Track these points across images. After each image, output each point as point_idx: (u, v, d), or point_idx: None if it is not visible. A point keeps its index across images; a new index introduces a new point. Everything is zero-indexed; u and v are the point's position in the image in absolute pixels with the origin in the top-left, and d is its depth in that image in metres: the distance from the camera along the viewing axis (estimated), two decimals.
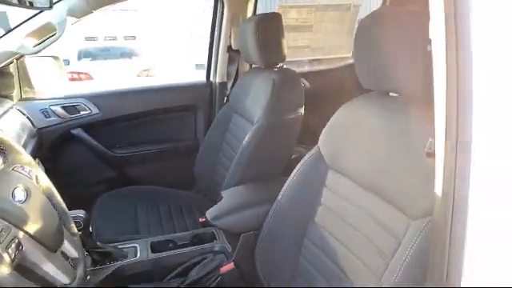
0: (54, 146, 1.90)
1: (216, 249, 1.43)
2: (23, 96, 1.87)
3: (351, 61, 2.34)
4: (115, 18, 11.42)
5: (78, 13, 1.63)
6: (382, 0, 2.46)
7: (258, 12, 2.10)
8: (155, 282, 1.33)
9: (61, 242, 0.96)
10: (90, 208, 1.63)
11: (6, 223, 0.79)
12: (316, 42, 3.63)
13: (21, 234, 0.81)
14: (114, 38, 11.20)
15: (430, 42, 0.57)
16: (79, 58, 8.23)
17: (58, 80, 1.95)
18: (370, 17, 0.91)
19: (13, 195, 0.85)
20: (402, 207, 0.82)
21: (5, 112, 1.60)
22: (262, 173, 1.53)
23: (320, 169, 1.08)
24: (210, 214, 1.28)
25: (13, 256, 0.76)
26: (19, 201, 0.86)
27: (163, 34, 12.11)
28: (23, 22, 1.62)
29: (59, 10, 1.55)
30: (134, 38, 11.60)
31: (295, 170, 1.14)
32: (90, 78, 7.45)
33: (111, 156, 2.05)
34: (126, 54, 8.72)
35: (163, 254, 1.39)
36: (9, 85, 1.79)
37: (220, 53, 2.13)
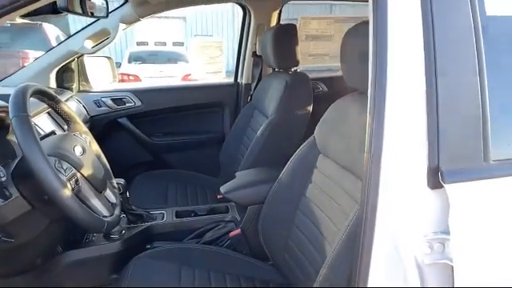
0: (103, 131, 2.12)
1: (227, 219, 1.62)
2: (81, 88, 2.11)
3: None
4: (166, 25, 11.68)
5: (128, 20, 1.91)
6: None
7: (282, 22, 2.24)
8: (177, 241, 1.51)
9: (104, 188, 1.19)
10: (129, 184, 1.90)
11: (69, 165, 1.05)
12: (335, 50, 3.70)
13: (78, 175, 1.06)
14: (164, 44, 11.11)
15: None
16: (129, 61, 8.46)
17: (110, 77, 2.22)
18: (353, 28, 1.07)
19: (73, 150, 1.11)
20: None
21: (66, 100, 1.83)
22: (271, 160, 1.64)
23: (313, 154, 1.25)
24: (223, 188, 1.47)
25: (73, 186, 1.01)
26: (78, 154, 1.11)
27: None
28: (84, 28, 1.90)
29: (113, 17, 1.84)
30: (182, 44, 11.59)
31: (295, 154, 1.30)
32: (138, 80, 7.70)
33: (150, 143, 2.27)
34: (173, 59, 8.77)
35: (185, 219, 1.60)
36: (70, 79, 2.03)
37: (246, 58, 2.32)
